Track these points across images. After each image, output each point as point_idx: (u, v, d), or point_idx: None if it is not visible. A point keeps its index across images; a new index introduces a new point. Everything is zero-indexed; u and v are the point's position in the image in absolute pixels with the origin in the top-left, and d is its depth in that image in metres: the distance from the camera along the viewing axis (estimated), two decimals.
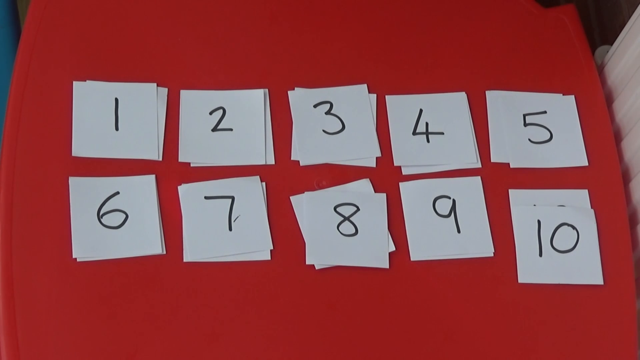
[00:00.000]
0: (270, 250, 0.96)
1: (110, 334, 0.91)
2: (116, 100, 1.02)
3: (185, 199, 0.97)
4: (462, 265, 0.98)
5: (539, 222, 1.00)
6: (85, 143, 0.99)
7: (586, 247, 1.00)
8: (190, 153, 1.00)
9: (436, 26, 1.12)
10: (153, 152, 0.99)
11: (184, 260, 0.95)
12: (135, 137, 1.00)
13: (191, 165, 1.00)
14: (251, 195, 0.98)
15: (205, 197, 0.98)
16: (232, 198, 0.98)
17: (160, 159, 0.99)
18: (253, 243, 0.96)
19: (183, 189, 0.98)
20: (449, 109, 1.06)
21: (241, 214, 0.97)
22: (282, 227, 0.97)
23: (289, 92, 1.04)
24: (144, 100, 1.02)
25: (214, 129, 1.02)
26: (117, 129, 1.00)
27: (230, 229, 0.97)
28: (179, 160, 1.00)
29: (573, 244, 1.00)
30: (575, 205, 1.02)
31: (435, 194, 1.01)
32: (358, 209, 0.99)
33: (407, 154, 1.03)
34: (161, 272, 0.94)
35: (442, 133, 1.05)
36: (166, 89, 1.02)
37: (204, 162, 1.00)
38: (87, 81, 1.02)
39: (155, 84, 1.02)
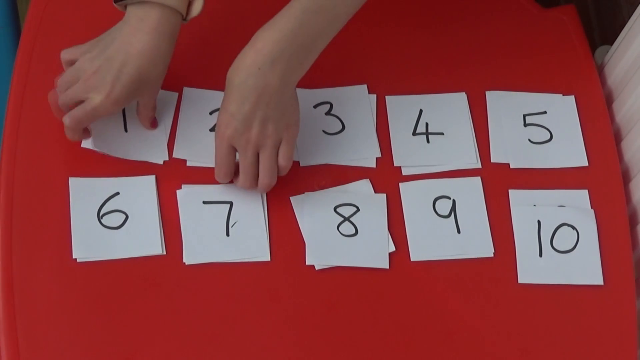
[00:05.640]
0: (270, 251, 0.96)
1: (110, 335, 0.91)
2: None
3: (184, 203, 0.97)
4: (462, 265, 0.98)
5: (539, 222, 1.00)
6: (91, 142, 0.98)
7: (586, 247, 1.00)
8: (185, 150, 0.99)
9: (436, 26, 1.12)
10: (162, 155, 0.99)
11: (184, 261, 0.95)
12: (144, 140, 1.00)
13: (187, 164, 0.99)
14: (250, 200, 0.98)
15: (204, 202, 0.97)
16: (231, 204, 0.97)
17: (168, 159, 0.99)
18: (250, 249, 0.96)
19: (182, 193, 0.97)
20: (449, 109, 1.06)
21: (239, 220, 0.97)
22: (282, 227, 0.97)
23: None
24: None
25: (213, 129, 1.01)
26: (126, 130, 1.00)
27: (227, 234, 0.96)
28: (173, 156, 0.99)
29: (573, 244, 1.00)
30: (575, 206, 1.02)
31: (435, 194, 1.01)
32: (358, 210, 0.99)
33: (407, 154, 1.03)
34: (161, 273, 0.94)
35: (442, 133, 1.05)
36: (176, 94, 1.02)
37: (202, 162, 0.99)
38: None
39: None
